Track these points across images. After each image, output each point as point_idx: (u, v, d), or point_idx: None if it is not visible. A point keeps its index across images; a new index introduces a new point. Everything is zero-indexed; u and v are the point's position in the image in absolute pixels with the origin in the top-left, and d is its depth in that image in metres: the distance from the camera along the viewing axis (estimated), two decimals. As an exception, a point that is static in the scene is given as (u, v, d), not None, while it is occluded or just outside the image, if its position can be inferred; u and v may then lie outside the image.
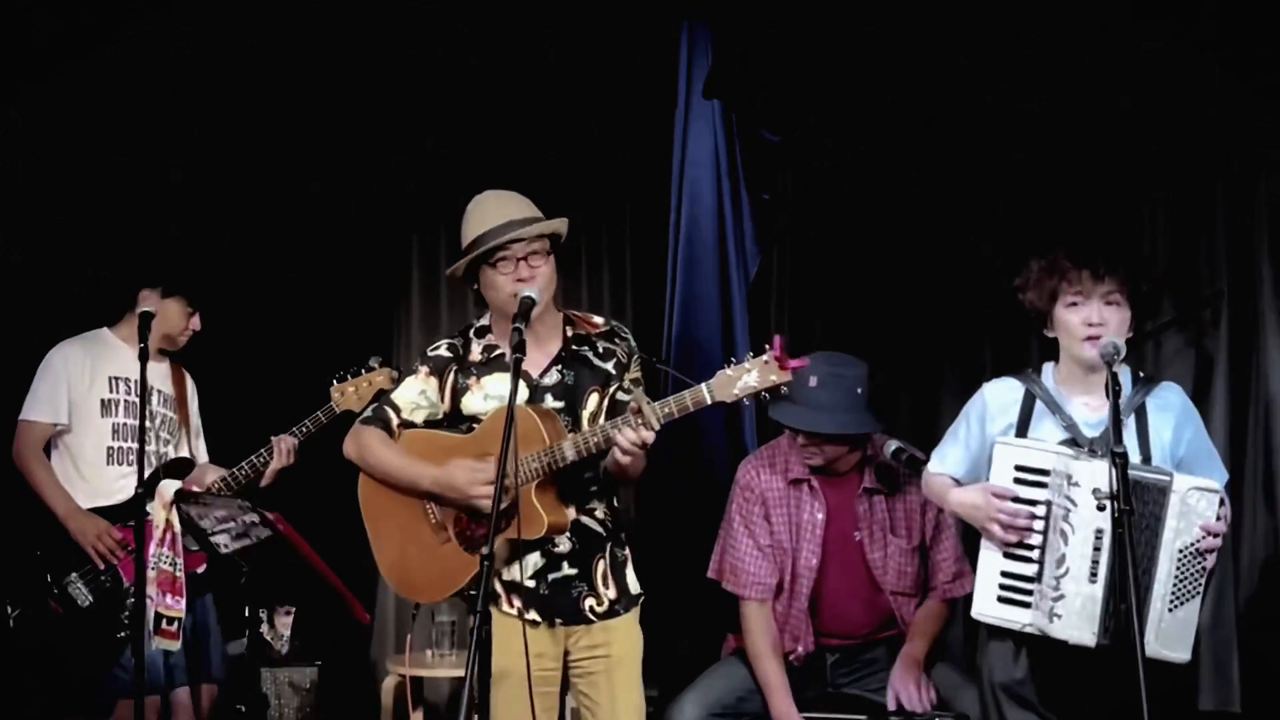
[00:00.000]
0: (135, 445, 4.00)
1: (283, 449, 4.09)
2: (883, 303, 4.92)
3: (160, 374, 4.20)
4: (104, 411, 4.08)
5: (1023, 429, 3.20)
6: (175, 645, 3.88)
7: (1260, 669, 4.36)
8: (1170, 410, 3.17)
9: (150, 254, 4.28)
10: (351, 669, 5.17)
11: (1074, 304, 3.14)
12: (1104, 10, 4.46)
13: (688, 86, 5.02)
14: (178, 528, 3.96)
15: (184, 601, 3.94)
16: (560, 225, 3.31)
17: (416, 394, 3.38)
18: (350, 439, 3.40)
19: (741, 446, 4.81)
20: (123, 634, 3.95)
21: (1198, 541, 2.96)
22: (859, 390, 3.81)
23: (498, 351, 3.34)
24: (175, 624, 3.90)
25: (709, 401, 3.01)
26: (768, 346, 2.97)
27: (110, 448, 4.08)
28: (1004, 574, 3.09)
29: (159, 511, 3.98)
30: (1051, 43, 4.58)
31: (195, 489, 4.01)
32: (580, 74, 5.16)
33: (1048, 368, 3.27)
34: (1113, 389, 2.91)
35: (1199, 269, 4.51)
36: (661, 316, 5.05)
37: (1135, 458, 3.07)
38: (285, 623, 4.95)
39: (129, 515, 4.00)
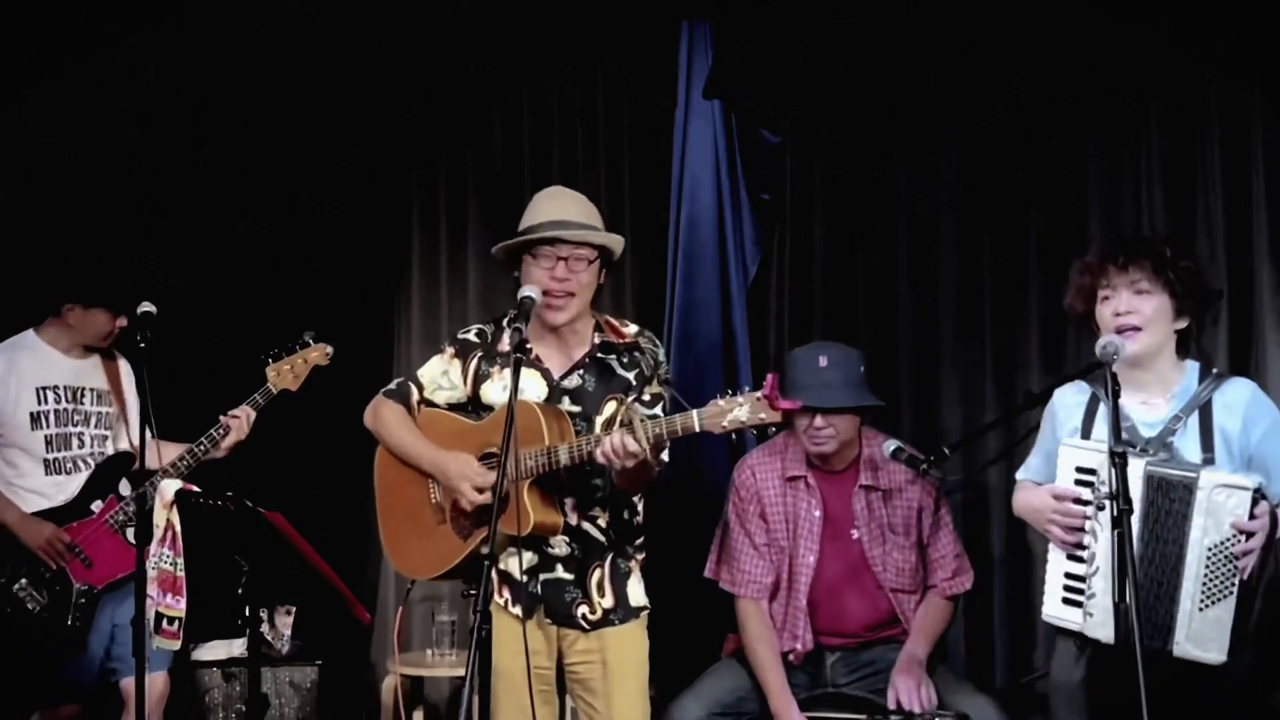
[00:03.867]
0: (71, 453, 4.15)
1: (238, 422, 4.08)
2: (883, 303, 4.92)
3: (90, 369, 4.24)
4: (34, 425, 4.12)
5: (1086, 430, 3.20)
6: (176, 645, 3.89)
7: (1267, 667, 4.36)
8: (1238, 406, 3.12)
9: (73, 267, 4.29)
10: (351, 669, 5.17)
11: (1107, 298, 3.16)
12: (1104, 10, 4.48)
13: (688, 86, 5.01)
14: (178, 527, 3.97)
15: (184, 601, 3.96)
16: (610, 240, 3.34)
17: (439, 374, 3.43)
18: (370, 410, 3.46)
19: (741, 445, 4.81)
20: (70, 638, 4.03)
21: (1229, 540, 2.92)
22: (861, 368, 3.91)
23: (526, 344, 3.34)
24: (176, 623, 3.91)
25: (696, 429, 3.04)
26: (763, 385, 2.98)
27: (47, 459, 4.13)
28: (1067, 575, 3.12)
29: (160, 512, 3.98)
30: (1053, 43, 4.59)
31: (195, 488, 4.02)
32: (580, 73, 5.16)
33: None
34: (1111, 389, 2.91)
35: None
36: (661, 317, 5.05)
37: (1194, 457, 3.05)
38: (285, 622, 4.94)
39: (73, 515, 4.11)
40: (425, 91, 5.24)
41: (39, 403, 4.14)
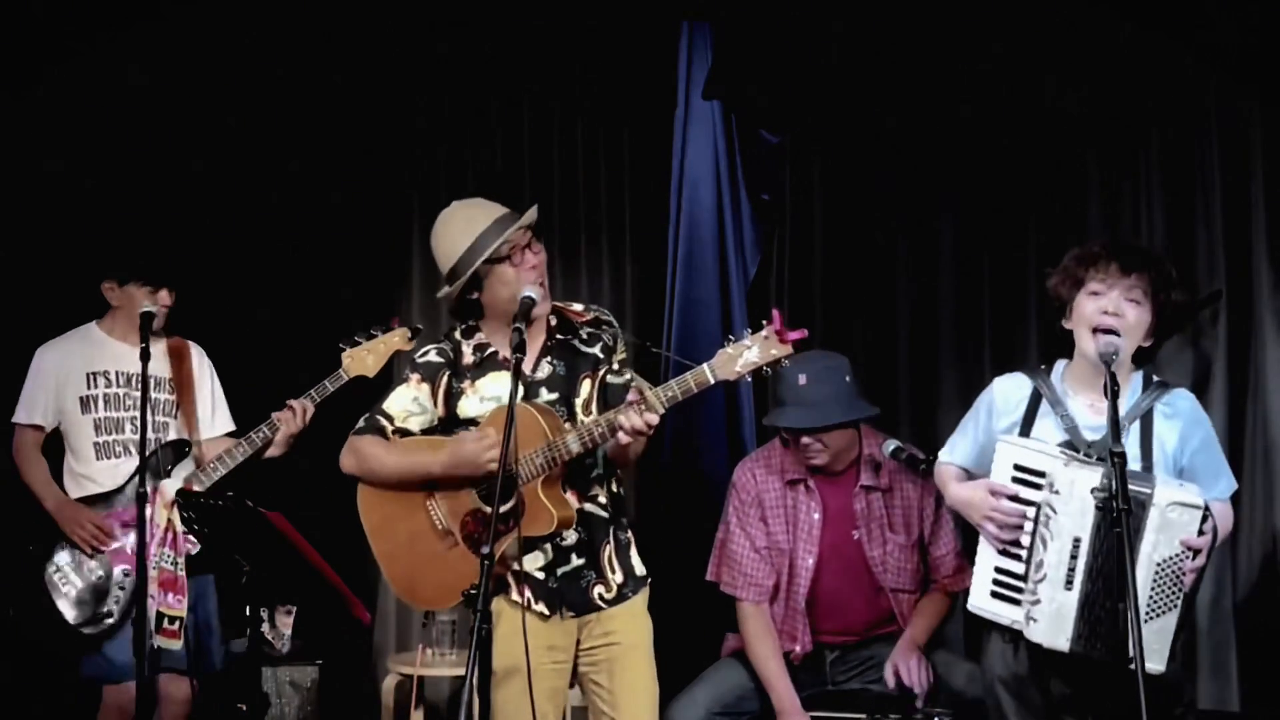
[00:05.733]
0: (122, 437, 4.10)
1: (295, 412, 4.00)
2: (882, 303, 4.92)
3: (150, 357, 4.11)
4: (83, 409, 4.11)
5: (1026, 427, 3.18)
6: (177, 644, 3.89)
7: (1258, 668, 4.37)
8: (1178, 418, 3.12)
9: (104, 244, 4.28)
10: (351, 669, 5.17)
11: (1095, 293, 3.12)
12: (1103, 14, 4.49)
13: (688, 87, 5.02)
14: (179, 527, 3.97)
15: (185, 600, 3.96)
16: (534, 214, 3.30)
17: (409, 401, 3.35)
18: (347, 452, 3.37)
19: (741, 446, 4.82)
20: (110, 621, 3.98)
21: (1177, 556, 2.91)
22: (847, 379, 3.85)
23: (490, 350, 3.33)
24: (177, 623, 3.92)
25: (712, 381, 3.02)
26: (766, 322, 2.97)
27: (96, 443, 4.11)
28: (997, 569, 3.11)
29: (160, 511, 3.99)
30: (1053, 45, 4.60)
31: (196, 488, 4.02)
32: (580, 73, 5.17)
33: (1059, 365, 3.25)
34: (1111, 389, 2.91)
35: (1197, 269, 4.52)
36: (661, 317, 5.06)
37: (1135, 465, 3.04)
38: (285, 622, 4.95)
39: (119, 501, 4.07)
40: (425, 93, 5.23)
41: (88, 387, 4.13)
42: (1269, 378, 4.35)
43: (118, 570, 4.03)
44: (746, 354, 2.97)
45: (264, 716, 4.75)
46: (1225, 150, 4.43)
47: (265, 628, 4.87)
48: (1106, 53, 4.55)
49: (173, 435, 4.17)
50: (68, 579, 4.03)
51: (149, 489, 3.96)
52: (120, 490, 4.08)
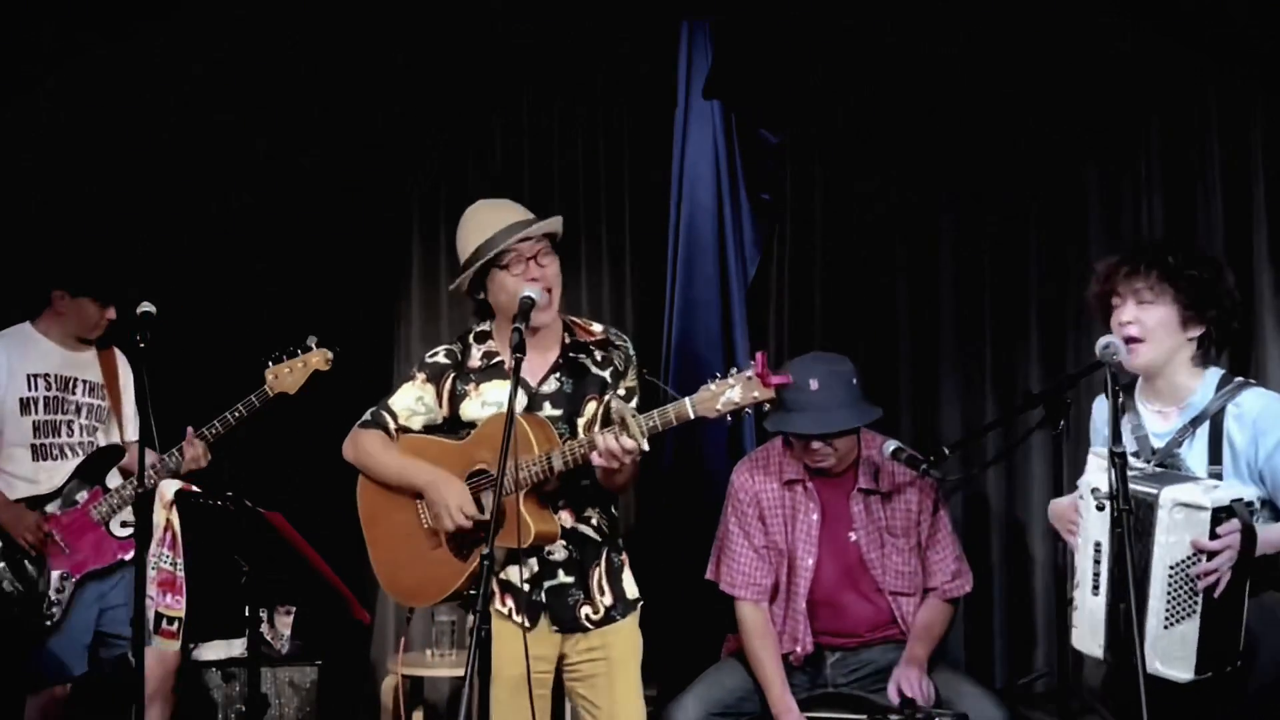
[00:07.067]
0: (59, 440, 4.22)
1: (194, 452, 4.11)
2: (882, 303, 4.92)
3: (84, 362, 4.30)
4: (24, 410, 4.19)
5: (1115, 438, 3.17)
6: (175, 644, 3.90)
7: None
8: (1248, 418, 3.03)
9: (61, 254, 4.36)
10: (351, 669, 5.17)
11: (1116, 306, 3.11)
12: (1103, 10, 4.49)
13: (688, 86, 5.02)
14: (178, 527, 3.97)
15: (184, 600, 3.96)
16: (559, 224, 3.33)
17: (413, 400, 3.40)
18: (348, 442, 3.44)
19: (740, 447, 4.81)
20: (48, 625, 4.08)
21: (1189, 559, 2.86)
22: (854, 382, 3.85)
23: (498, 358, 3.35)
24: (176, 623, 3.91)
25: (691, 416, 3.02)
26: (751, 362, 2.97)
27: (34, 445, 4.20)
28: None
29: (159, 511, 3.99)
30: (1053, 45, 4.59)
31: (195, 488, 4.02)
32: (580, 73, 5.16)
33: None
34: (1110, 389, 2.90)
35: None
36: (661, 318, 5.05)
37: (1201, 469, 3.01)
38: (285, 623, 4.95)
39: (58, 503, 4.17)
40: (425, 94, 5.23)
41: (29, 389, 4.20)
42: (1270, 377, 4.34)
43: (55, 574, 4.11)
44: (729, 393, 2.97)
45: (264, 717, 4.75)
46: (1225, 150, 4.42)
47: (265, 628, 4.87)
48: (1106, 51, 4.54)
49: (102, 441, 4.30)
50: (10, 579, 4.10)
51: (84, 494, 4.17)
52: (58, 493, 4.18)
